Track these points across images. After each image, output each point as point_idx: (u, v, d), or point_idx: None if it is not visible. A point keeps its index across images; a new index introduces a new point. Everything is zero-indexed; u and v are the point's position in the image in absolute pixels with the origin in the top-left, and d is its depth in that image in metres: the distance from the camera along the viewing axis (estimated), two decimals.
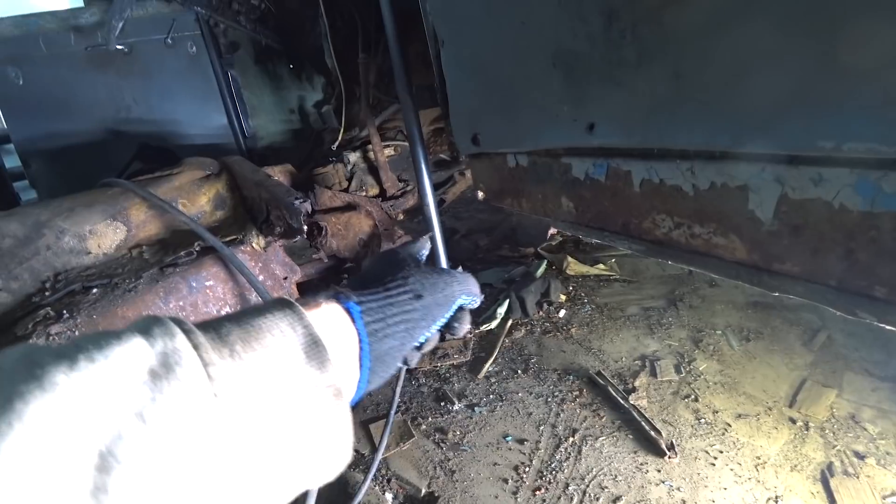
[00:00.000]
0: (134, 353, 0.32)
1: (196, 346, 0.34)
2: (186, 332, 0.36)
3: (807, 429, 1.48)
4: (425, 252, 0.74)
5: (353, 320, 0.50)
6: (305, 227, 1.60)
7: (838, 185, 0.64)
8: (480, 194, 1.61)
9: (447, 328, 0.67)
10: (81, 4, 2.82)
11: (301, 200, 1.64)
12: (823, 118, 0.63)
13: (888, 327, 0.67)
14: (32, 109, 2.80)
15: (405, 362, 0.63)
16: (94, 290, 1.66)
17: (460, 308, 0.66)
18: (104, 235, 1.86)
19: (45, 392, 0.28)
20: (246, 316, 0.43)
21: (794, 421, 1.52)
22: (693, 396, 1.65)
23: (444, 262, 1.79)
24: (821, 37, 0.59)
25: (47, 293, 1.69)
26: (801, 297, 0.77)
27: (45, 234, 1.76)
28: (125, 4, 2.40)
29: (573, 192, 1.16)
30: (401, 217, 2.58)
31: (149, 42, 2.89)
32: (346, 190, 2.51)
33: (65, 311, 1.57)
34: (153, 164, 2.83)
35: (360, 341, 0.50)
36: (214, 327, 0.39)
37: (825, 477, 1.34)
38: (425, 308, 0.56)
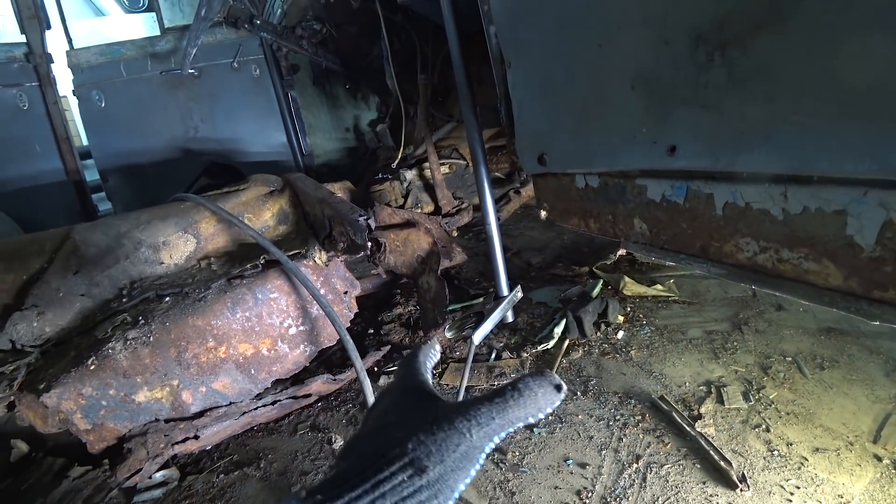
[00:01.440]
0: None
1: None
2: None
3: (895, 468, 1.38)
4: (431, 363, 0.56)
5: None
6: (369, 244, 1.63)
7: None
8: (543, 214, 1.60)
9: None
10: (158, 32, 3.03)
11: (364, 217, 1.67)
12: None
13: None
14: (112, 129, 3.01)
15: None
16: (167, 299, 1.74)
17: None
18: (176, 247, 1.96)
19: None
20: None
21: (879, 458, 1.42)
22: (764, 426, 1.57)
23: (504, 282, 1.78)
24: None
25: (124, 300, 1.80)
26: None
27: (124, 245, 1.87)
28: (199, 32, 2.56)
29: (648, 214, 1.14)
30: (455, 234, 2.60)
31: (217, 66, 3.08)
32: (402, 207, 2.56)
33: (140, 318, 1.66)
34: (219, 180, 2.98)
35: None
36: None
37: None
38: (436, 482, 0.40)
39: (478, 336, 1.65)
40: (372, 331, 2.38)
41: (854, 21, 0.62)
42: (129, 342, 1.56)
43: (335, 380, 1.90)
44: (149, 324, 1.61)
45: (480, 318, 1.79)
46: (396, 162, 2.49)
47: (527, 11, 1.26)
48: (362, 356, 2.01)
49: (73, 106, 3.05)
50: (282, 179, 2.24)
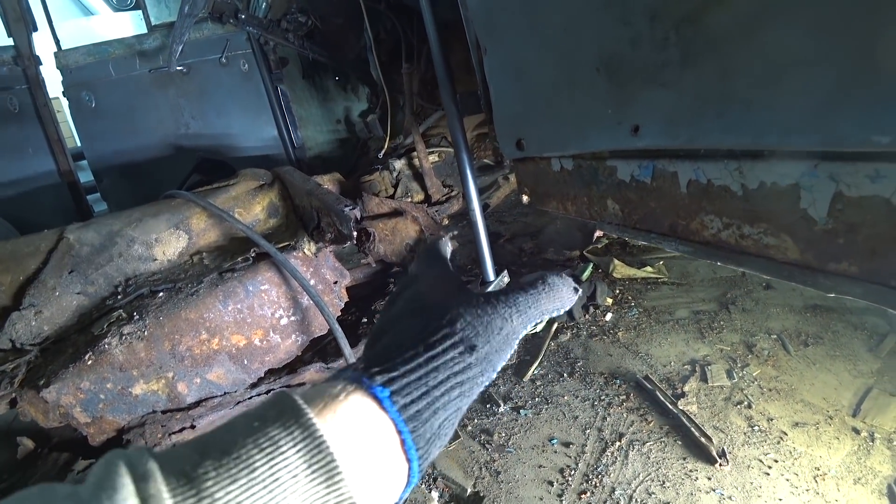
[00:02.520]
0: None
1: (146, 500, 0.29)
2: (141, 477, 0.30)
3: (872, 440, 1.41)
4: (448, 252, 0.58)
5: (386, 409, 0.38)
6: (355, 233, 1.66)
7: None
8: (525, 198, 1.62)
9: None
10: (145, 31, 3.04)
11: (350, 207, 1.70)
12: (879, 112, 0.62)
13: None
14: (103, 129, 3.03)
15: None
16: (161, 294, 1.78)
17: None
18: (168, 243, 1.99)
19: None
20: (235, 434, 0.35)
21: (857, 431, 1.45)
22: (746, 403, 1.60)
23: (490, 267, 1.80)
24: (877, 21, 0.58)
25: (119, 297, 1.83)
26: (860, 299, 0.75)
27: (117, 243, 1.91)
28: (184, 29, 2.57)
29: (619, 195, 1.16)
30: (446, 222, 2.62)
31: (205, 62, 3.08)
32: (392, 196, 2.58)
33: (135, 314, 1.70)
34: (211, 176, 3.01)
35: (400, 432, 0.38)
36: (186, 459, 0.32)
37: (892, 492, 1.27)
38: (483, 360, 0.43)
39: None
40: (366, 320, 2.41)
41: None
42: (124, 337, 1.60)
43: (328, 368, 1.94)
44: (143, 319, 1.65)
45: None
46: (383, 152, 2.50)
47: (510, 8, 1.27)
48: (355, 345, 2.05)
49: (65, 107, 3.06)
50: (271, 173, 2.26)
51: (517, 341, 0.46)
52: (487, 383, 0.44)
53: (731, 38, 0.75)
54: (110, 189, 3.12)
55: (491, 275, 1.95)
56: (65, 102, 3.02)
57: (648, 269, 2.44)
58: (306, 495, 0.33)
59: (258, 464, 0.33)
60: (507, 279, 2.00)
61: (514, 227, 3.33)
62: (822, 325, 1.93)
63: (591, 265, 2.48)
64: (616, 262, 2.44)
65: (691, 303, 2.18)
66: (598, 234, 2.55)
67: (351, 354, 1.65)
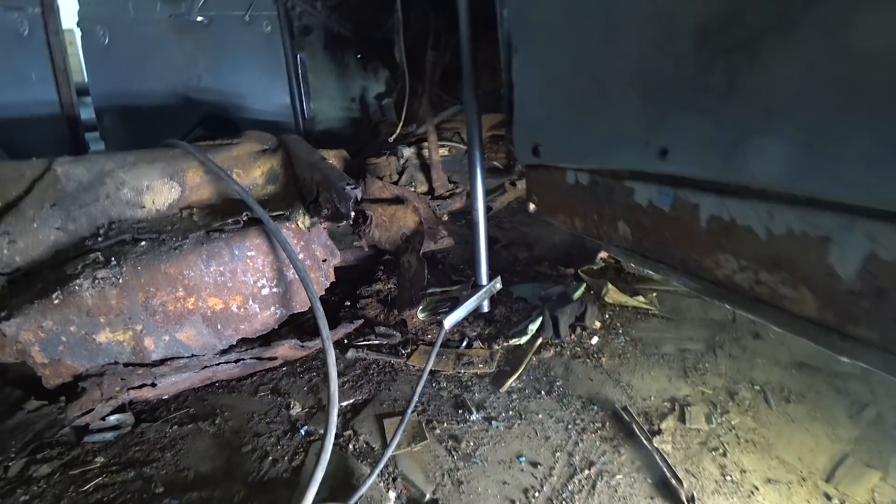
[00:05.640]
0: None
1: None
2: None
3: None
4: None
5: None
6: (353, 214, 1.60)
7: None
8: (532, 206, 1.58)
9: None
10: None
11: (352, 187, 1.64)
12: None
13: None
14: (112, 68, 2.94)
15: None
16: (143, 243, 1.71)
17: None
18: (160, 192, 1.92)
19: None
20: None
21: (829, 497, 1.42)
22: (721, 450, 1.56)
23: (484, 271, 1.76)
24: None
25: (100, 238, 1.76)
26: (876, 368, 0.70)
27: (106, 183, 1.83)
28: None
29: (633, 218, 1.11)
30: (445, 218, 2.57)
31: (227, 17, 3.00)
32: (395, 183, 2.52)
33: (112, 259, 1.63)
34: (215, 132, 2.93)
35: None
36: None
37: None
38: None
39: (449, 321, 1.64)
40: (349, 303, 2.35)
41: (864, 36, 0.59)
42: (97, 281, 1.53)
43: (302, 346, 1.88)
44: (120, 265, 1.58)
45: (455, 304, 1.77)
46: (395, 136, 2.44)
47: (552, 6, 1.22)
48: (334, 327, 1.99)
49: (77, 39, 2.96)
50: (276, 139, 2.19)
51: None
52: None
53: (786, 76, 0.70)
54: (110, 129, 3.02)
55: (484, 279, 1.90)
56: (77, 34, 2.93)
57: (641, 298, 2.41)
58: None
59: None
60: (499, 285, 1.96)
61: (512, 235, 3.28)
62: (807, 383, 1.90)
63: (584, 286, 2.44)
64: (610, 286, 2.40)
65: (679, 339, 2.15)
66: (602, 255, 2.50)
67: (328, 337, 1.59)
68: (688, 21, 0.82)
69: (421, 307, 1.94)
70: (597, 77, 1.06)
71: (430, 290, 2.21)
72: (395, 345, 2.00)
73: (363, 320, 2.09)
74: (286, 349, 1.83)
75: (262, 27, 3.03)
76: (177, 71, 3.03)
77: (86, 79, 3.03)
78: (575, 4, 1.09)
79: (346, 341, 2.06)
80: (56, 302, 1.46)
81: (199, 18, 2.90)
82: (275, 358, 1.85)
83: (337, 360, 1.88)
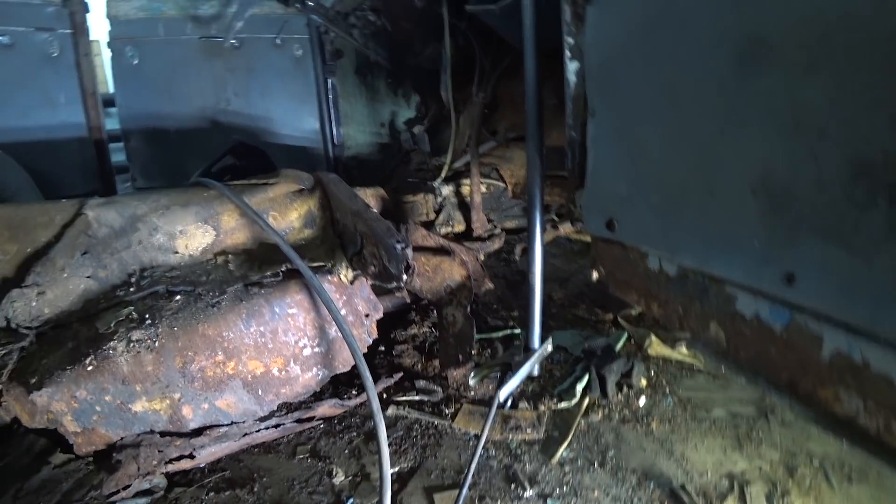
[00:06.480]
0: None
1: None
2: None
3: None
4: None
5: None
6: (405, 277, 1.51)
7: None
8: (596, 275, 1.48)
9: None
10: None
11: (403, 246, 1.55)
12: None
13: None
14: (141, 88, 2.86)
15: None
16: (178, 297, 1.62)
17: None
18: (193, 237, 1.84)
19: None
20: None
21: None
22: None
23: (537, 335, 1.66)
24: None
25: (132, 288, 1.67)
26: None
27: (139, 229, 1.75)
28: (248, 5, 2.41)
29: (730, 324, 1.00)
30: (482, 257, 2.47)
31: (259, 39, 2.92)
32: (433, 222, 2.44)
33: (147, 316, 1.54)
34: (245, 161, 2.85)
35: None
36: None
37: None
38: None
39: (503, 393, 1.54)
40: (383, 348, 2.26)
41: None
42: (132, 344, 1.45)
43: (342, 405, 1.79)
44: (155, 325, 1.50)
45: (506, 371, 1.68)
46: (442, 177, 2.35)
47: (635, 58, 1.11)
48: (374, 380, 1.90)
49: (106, 59, 2.90)
50: (313, 178, 2.10)
51: None
52: None
53: None
54: (137, 150, 2.95)
55: (537, 341, 1.80)
56: (108, 54, 2.86)
57: (683, 350, 2.31)
58: None
59: None
60: (550, 348, 1.87)
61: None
62: (865, 460, 1.80)
63: (626, 335, 2.34)
64: (653, 337, 2.30)
65: (728, 402, 2.04)
66: None
67: (375, 397, 1.50)
68: (843, 147, 0.72)
69: (472, 374, 1.85)
70: (704, 169, 0.96)
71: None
72: (437, 402, 1.91)
73: (402, 372, 2.00)
74: (325, 408, 1.75)
75: (294, 51, 2.94)
76: (205, 93, 2.95)
77: (113, 96, 2.95)
78: (684, 82, 0.98)
79: (384, 395, 1.97)
80: (90, 368, 1.37)
81: (231, 42, 2.82)
82: (313, 417, 1.76)
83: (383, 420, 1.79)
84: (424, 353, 2.19)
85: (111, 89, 3.10)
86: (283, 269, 1.71)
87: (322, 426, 1.84)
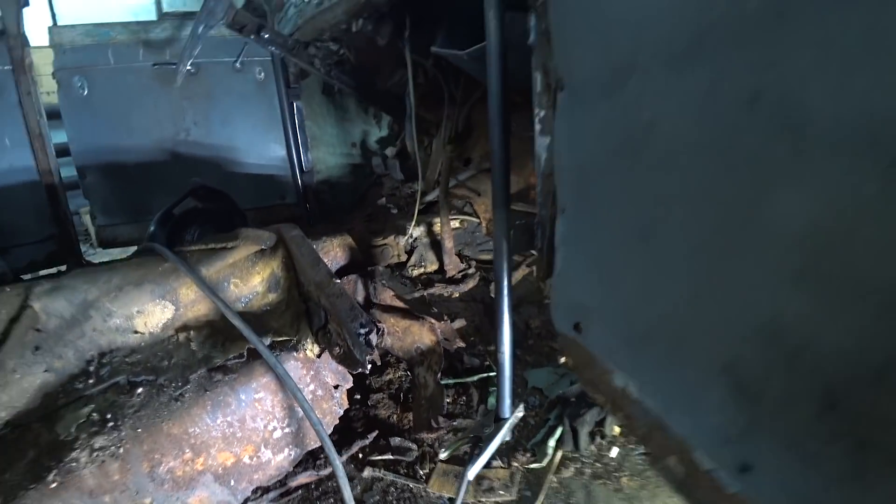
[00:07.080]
0: None
1: None
2: None
3: None
4: None
5: None
6: (369, 365, 1.48)
7: None
8: (563, 360, 1.45)
9: None
10: (154, 17, 2.69)
11: (367, 330, 1.51)
12: None
13: None
14: (93, 121, 2.71)
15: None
16: (139, 390, 1.58)
17: None
18: (152, 314, 1.78)
19: None
20: None
21: None
22: None
23: (507, 404, 1.65)
24: None
25: (91, 380, 1.63)
26: None
27: (92, 317, 1.68)
28: (200, 37, 2.26)
29: (689, 465, 1.00)
30: (455, 295, 2.45)
31: (217, 64, 2.77)
32: (404, 264, 2.39)
33: (109, 416, 1.51)
34: (206, 203, 2.74)
35: None
36: None
37: None
38: None
39: (473, 471, 1.55)
40: (359, 396, 2.25)
41: None
42: (95, 453, 1.41)
43: (318, 475, 1.79)
44: (118, 428, 1.46)
45: (476, 445, 1.68)
46: (413, 224, 2.29)
47: (609, 174, 1.05)
48: (349, 440, 1.90)
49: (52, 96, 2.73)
50: (275, 234, 2.03)
51: None
52: None
53: None
54: (94, 187, 2.82)
55: (507, 411, 1.80)
56: (53, 85, 2.68)
57: None
58: None
59: None
60: (520, 413, 1.87)
61: (520, 289, 3.16)
62: None
63: None
64: None
65: None
66: None
67: (341, 469, 1.49)
68: (806, 368, 0.69)
69: (441, 449, 1.85)
70: (675, 318, 0.92)
71: (442, 381, 2.12)
72: (412, 462, 1.92)
73: (377, 431, 2.00)
74: (301, 479, 1.75)
75: (255, 74, 2.80)
76: (163, 124, 2.81)
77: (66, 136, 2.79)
78: (665, 223, 0.91)
79: (360, 455, 1.97)
80: (54, 486, 1.34)
81: (188, 68, 2.66)
82: (290, 491, 1.76)
83: (353, 480, 1.80)
84: (400, 402, 2.19)
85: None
86: (246, 350, 1.67)
87: (300, 493, 1.85)
